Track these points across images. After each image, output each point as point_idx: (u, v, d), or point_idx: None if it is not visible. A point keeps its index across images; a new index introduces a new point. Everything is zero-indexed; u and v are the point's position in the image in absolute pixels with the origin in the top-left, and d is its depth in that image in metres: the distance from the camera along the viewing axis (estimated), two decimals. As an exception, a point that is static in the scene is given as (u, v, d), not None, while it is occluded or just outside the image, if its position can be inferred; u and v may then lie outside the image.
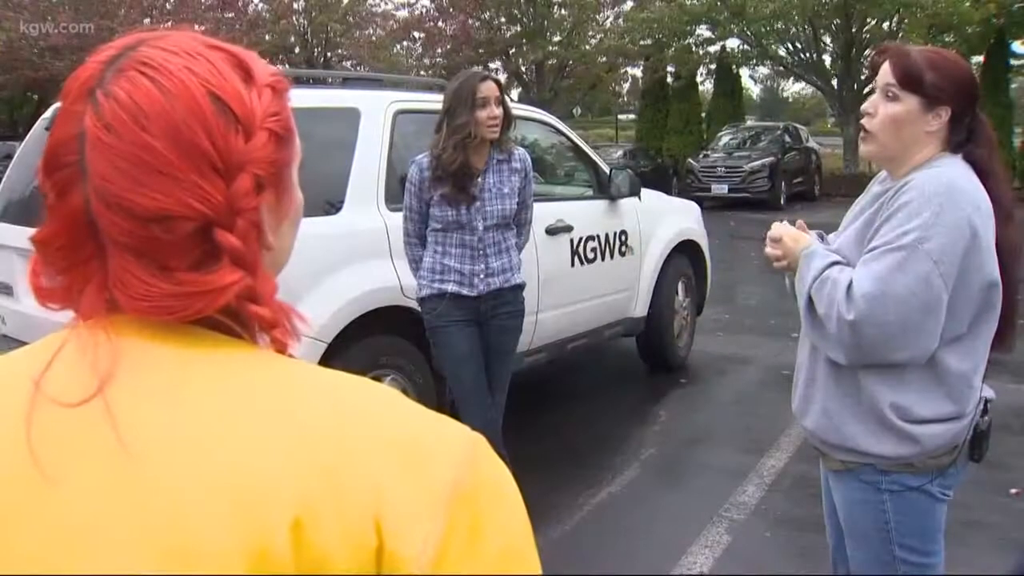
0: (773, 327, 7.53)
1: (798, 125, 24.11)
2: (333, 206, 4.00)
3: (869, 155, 2.07)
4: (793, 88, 62.23)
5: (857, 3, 20.48)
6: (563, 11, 26.34)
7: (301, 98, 4.03)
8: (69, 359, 0.70)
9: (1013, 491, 4.18)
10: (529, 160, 3.75)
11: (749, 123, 25.42)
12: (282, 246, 0.78)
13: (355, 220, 4.04)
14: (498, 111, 3.46)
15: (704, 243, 6.71)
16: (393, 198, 4.13)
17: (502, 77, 21.55)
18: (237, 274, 0.70)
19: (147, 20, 23.59)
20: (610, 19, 27.03)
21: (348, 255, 3.95)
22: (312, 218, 3.79)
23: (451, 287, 3.57)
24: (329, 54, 24.19)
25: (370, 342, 4.05)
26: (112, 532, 0.64)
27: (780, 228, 2.12)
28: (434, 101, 4.84)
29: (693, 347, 6.63)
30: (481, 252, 3.57)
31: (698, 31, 23.76)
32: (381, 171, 4.21)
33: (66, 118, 0.71)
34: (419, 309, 3.91)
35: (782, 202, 19.05)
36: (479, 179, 3.55)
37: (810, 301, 1.97)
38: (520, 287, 3.73)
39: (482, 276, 3.58)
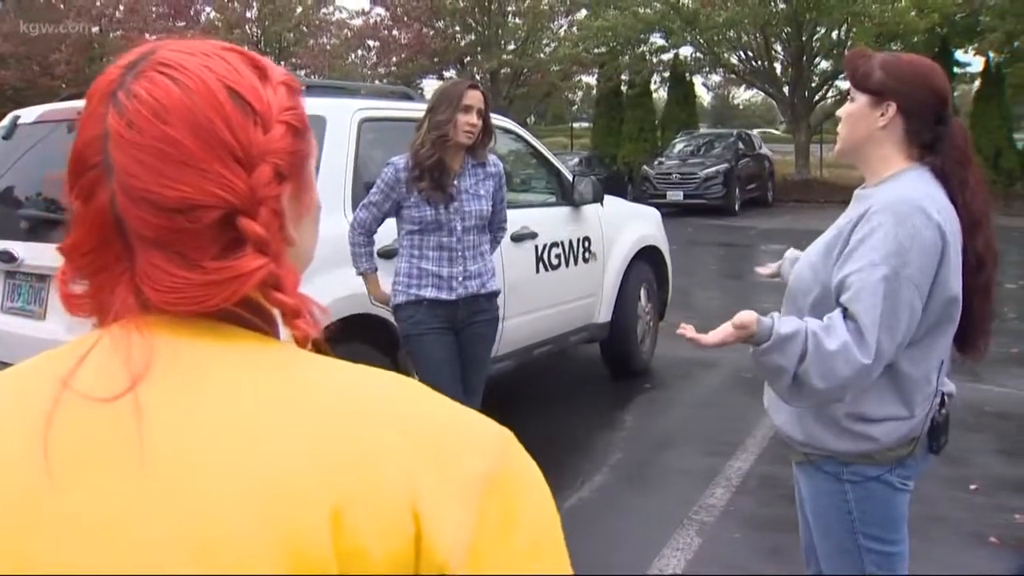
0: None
1: (751, 132, 24.42)
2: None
3: (837, 153, 2.17)
4: (744, 95, 63.03)
5: (807, 12, 20.86)
6: (517, 20, 26.47)
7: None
8: (100, 358, 0.71)
9: (972, 486, 4.27)
10: (502, 166, 3.80)
11: (703, 130, 25.71)
12: (304, 243, 0.80)
13: (321, 228, 4.00)
14: (477, 121, 3.50)
15: (665, 249, 6.77)
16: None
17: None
18: (261, 260, 0.71)
19: (95, 29, 23.29)
20: (564, 27, 27.20)
21: (315, 264, 3.90)
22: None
23: (429, 292, 3.57)
24: (283, 63, 24.04)
25: (338, 351, 4.00)
26: (140, 531, 0.64)
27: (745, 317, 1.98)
28: (399, 109, 4.86)
29: (656, 352, 6.68)
30: (459, 254, 3.58)
31: (652, 39, 24.02)
32: (347, 179, 4.20)
33: (89, 121, 0.73)
34: (387, 316, 3.91)
35: (736, 208, 19.28)
36: (455, 180, 3.57)
37: (794, 378, 1.91)
38: (495, 294, 3.75)
39: (460, 279, 3.59)
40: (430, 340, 3.58)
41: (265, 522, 0.63)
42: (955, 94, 22.08)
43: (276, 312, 0.75)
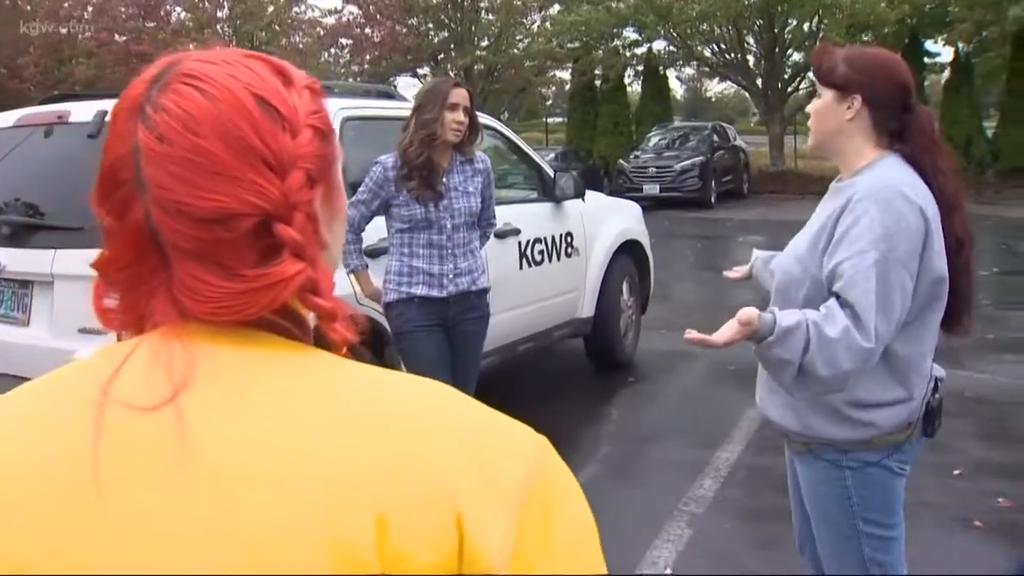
0: (715, 323, 7.62)
1: (725, 124, 24.53)
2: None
3: (811, 148, 2.23)
4: (716, 88, 63.30)
5: (779, 4, 20.99)
6: (490, 16, 26.44)
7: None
8: (139, 367, 0.71)
9: (956, 472, 4.33)
10: (489, 162, 3.81)
11: (678, 123, 25.79)
12: (335, 245, 0.80)
13: (307, 228, 4.00)
14: (464, 118, 3.52)
15: (646, 242, 6.80)
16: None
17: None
18: (300, 265, 0.71)
19: (64, 30, 23.04)
20: (537, 23, 27.19)
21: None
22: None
23: (420, 290, 3.58)
24: (256, 62, 23.87)
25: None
26: (189, 538, 0.64)
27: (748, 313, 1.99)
28: (380, 108, 4.86)
29: (639, 345, 6.72)
30: (449, 251, 3.59)
31: (625, 33, 24.07)
32: (338, 172, 4.18)
33: (117, 138, 0.73)
34: (373, 315, 3.90)
35: (713, 200, 19.37)
36: (444, 178, 3.58)
37: (799, 369, 1.93)
38: (486, 291, 3.77)
39: (451, 276, 3.60)
40: (421, 338, 3.59)
41: (313, 529, 0.64)
42: (925, 84, 22.40)
43: (310, 317, 0.76)
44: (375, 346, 4.23)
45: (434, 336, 3.61)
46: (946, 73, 22.44)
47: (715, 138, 21.11)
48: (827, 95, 2.08)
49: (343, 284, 3.99)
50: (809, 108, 2.16)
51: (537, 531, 0.67)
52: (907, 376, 2.04)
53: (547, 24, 26.25)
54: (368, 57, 25.48)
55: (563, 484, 0.71)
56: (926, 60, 22.38)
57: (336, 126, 4.29)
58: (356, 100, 4.85)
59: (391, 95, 5.26)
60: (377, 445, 0.67)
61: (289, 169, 0.71)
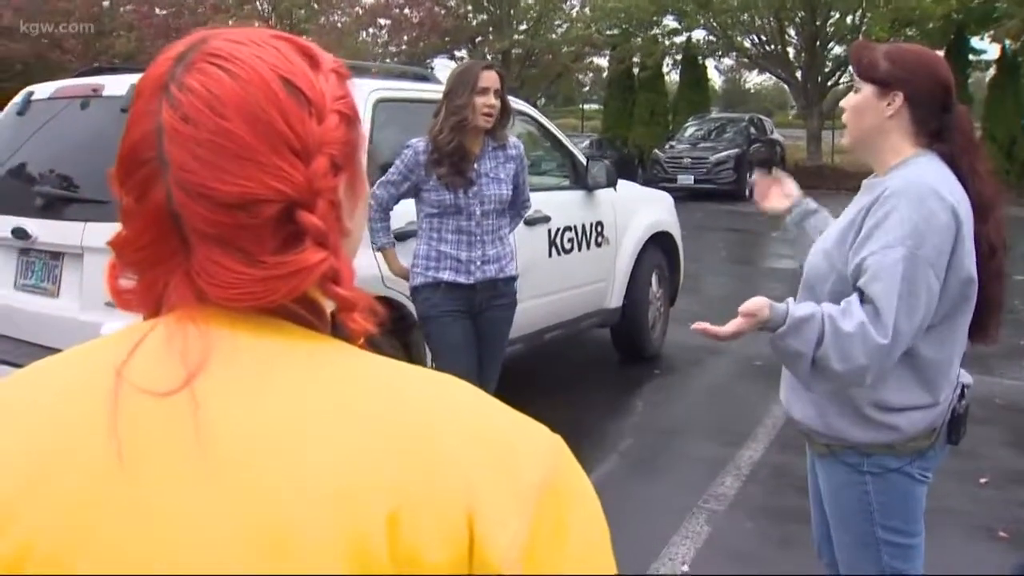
0: (743, 318, 7.60)
1: (763, 117, 24.30)
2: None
3: (847, 145, 2.17)
4: (755, 80, 62.71)
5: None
6: (530, 0, 26.30)
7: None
8: (154, 349, 0.70)
9: (983, 480, 4.26)
10: (523, 148, 3.78)
11: (715, 114, 25.59)
12: (356, 232, 0.79)
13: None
14: (495, 101, 3.48)
15: (677, 234, 6.75)
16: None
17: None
18: (322, 253, 0.70)
19: (105, 2, 23.22)
20: (576, 8, 27.04)
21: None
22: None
23: (447, 275, 3.57)
24: (294, 40, 23.94)
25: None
26: (206, 524, 0.64)
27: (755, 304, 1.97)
28: (413, 89, 4.84)
29: (666, 338, 6.67)
30: (478, 238, 3.57)
31: (665, 21, 23.87)
32: (362, 159, 4.17)
33: (141, 117, 0.71)
34: (399, 299, 3.90)
35: (747, 193, 19.15)
36: (475, 164, 3.56)
37: (812, 362, 1.91)
38: (514, 279, 3.75)
39: (478, 263, 3.58)
40: (447, 323, 3.58)
41: (330, 521, 0.63)
42: (969, 81, 22.03)
43: (327, 306, 0.75)
44: (400, 330, 4.23)
45: (460, 322, 3.60)
46: (991, 71, 22.06)
47: (752, 130, 20.92)
48: (867, 90, 2.03)
49: (370, 263, 4.00)
50: (844, 103, 2.11)
51: (550, 532, 0.66)
52: (933, 381, 2.00)
53: (586, 10, 26.11)
54: (406, 38, 25.46)
55: (577, 485, 0.71)
56: (971, 57, 21.97)
57: (368, 108, 4.28)
58: (390, 81, 4.84)
59: (427, 77, 5.24)
60: (392, 440, 0.66)
61: (314, 155, 0.70)
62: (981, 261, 1.96)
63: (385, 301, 4.13)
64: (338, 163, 0.72)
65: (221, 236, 0.69)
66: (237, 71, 0.70)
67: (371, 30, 26.22)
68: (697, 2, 21.48)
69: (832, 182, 19.98)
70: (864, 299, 1.88)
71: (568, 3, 26.79)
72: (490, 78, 3.49)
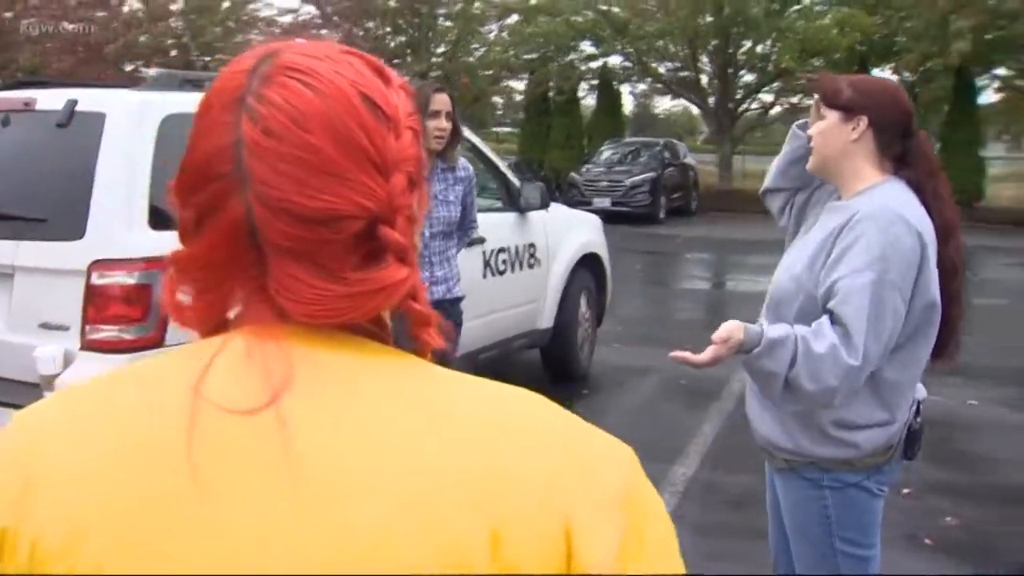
0: (666, 337, 7.69)
1: (676, 141, 24.82)
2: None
3: (812, 169, 2.23)
4: (664, 105, 63.95)
5: (735, 26, 21.34)
6: (448, 23, 26.41)
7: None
8: (230, 367, 0.68)
9: (906, 491, 4.43)
10: (472, 170, 3.81)
11: (629, 139, 26.04)
12: (419, 249, 0.79)
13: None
14: (447, 124, 3.51)
15: (605, 256, 6.87)
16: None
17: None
18: (405, 270, 0.70)
19: (9, 14, 22.49)
20: (495, 32, 27.25)
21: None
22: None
23: None
24: (210, 58, 23.57)
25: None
26: (294, 545, 0.63)
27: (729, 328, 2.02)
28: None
29: (593, 358, 6.76)
30: (426, 260, 3.59)
31: (582, 47, 24.25)
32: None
33: (212, 129, 0.70)
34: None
35: (662, 216, 19.57)
36: None
37: (785, 382, 1.98)
38: (460, 299, 3.77)
39: (427, 285, 3.58)
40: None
41: (427, 538, 0.63)
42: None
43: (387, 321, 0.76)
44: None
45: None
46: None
47: (666, 155, 21.34)
48: (832, 116, 2.12)
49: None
50: (812, 130, 2.18)
51: (635, 539, 0.67)
52: (893, 400, 2.08)
53: (504, 34, 26.34)
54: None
55: (650, 494, 0.71)
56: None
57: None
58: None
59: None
60: (486, 457, 0.66)
61: (392, 171, 0.70)
62: (943, 281, 2.05)
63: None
64: (413, 179, 0.72)
65: (301, 251, 0.68)
66: (319, 86, 0.69)
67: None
68: (614, 28, 21.91)
69: (742, 205, 20.52)
70: (834, 320, 1.95)
71: (486, 27, 26.99)
72: (441, 100, 3.53)
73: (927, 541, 3.89)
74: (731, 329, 1.98)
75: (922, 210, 2.05)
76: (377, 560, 0.62)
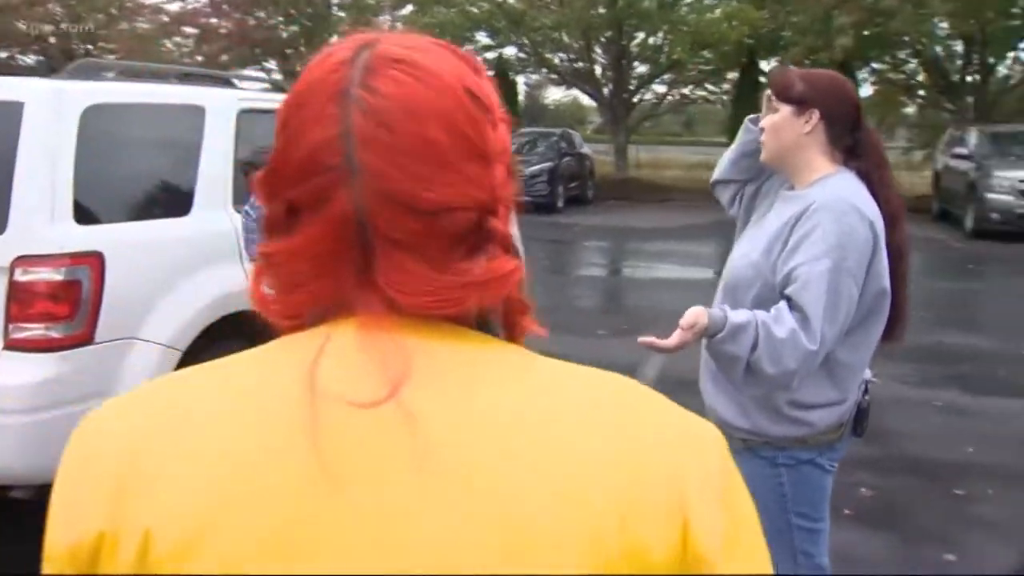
0: (567, 324, 7.77)
1: (572, 131, 25.11)
2: (182, 208, 3.84)
3: (765, 161, 2.30)
4: (554, 96, 64.51)
5: (628, 18, 21.71)
6: (341, 13, 26.06)
7: (142, 94, 3.87)
8: (343, 359, 0.67)
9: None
10: None
11: (526, 129, 26.20)
12: None
13: (205, 222, 3.90)
14: None
15: (520, 246, 6.88)
16: (241, 200, 4.03)
17: (279, 78, 21.00)
18: (515, 261, 0.70)
19: None
20: (389, 22, 26.99)
21: (200, 258, 3.82)
22: (162, 220, 3.64)
23: None
24: (92, 46, 22.63)
25: (221, 349, 3.88)
26: (430, 532, 0.63)
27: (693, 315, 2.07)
28: (277, 101, 4.76)
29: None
30: None
31: (478, 37, 24.26)
32: (228, 172, 4.08)
33: (314, 121, 0.68)
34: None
35: (560, 205, 19.77)
36: None
37: (747, 365, 2.04)
38: None
39: None
40: None
41: (565, 525, 0.63)
42: (759, 101, 23.56)
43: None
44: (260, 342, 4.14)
45: None
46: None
47: (563, 144, 21.54)
48: (785, 110, 2.19)
49: (240, 278, 3.91)
50: (764, 123, 2.26)
51: (734, 516, 0.69)
52: (845, 381, 2.18)
53: (398, 24, 26.13)
54: (213, 48, 24.58)
55: (736, 470, 0.73)
56: (762, 79, 23.54)
57: (233, 117, 4.19)
58: (252, 92, 4.75)
59: (284, 89, 5.16)
60: (610, 440, 0.67)
61: (494, 163, 0.70)
62: (891, 266, 2.15)
63: (256, 316, 4.04)
64: (510, 170, 0.72)
65: (411, 243, 0.67)
66: (427, 78, 0.68)
67: (176, 39, 25.20)
68: (510, 19, 22.00)
69: (637, 194, 20.99)
70: (792, 306, 2.04)
71: (381, 17, 26.70)
72: None
73: (847, 512, 4.07)
74: (696, 315, 2.04)
75: (872, 200, 2.14)
76: (521, 551, 0.62)
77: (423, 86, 0.68)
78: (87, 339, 3.29)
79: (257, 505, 0.63)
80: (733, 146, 2.50)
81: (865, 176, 2.19)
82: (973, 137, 16.37)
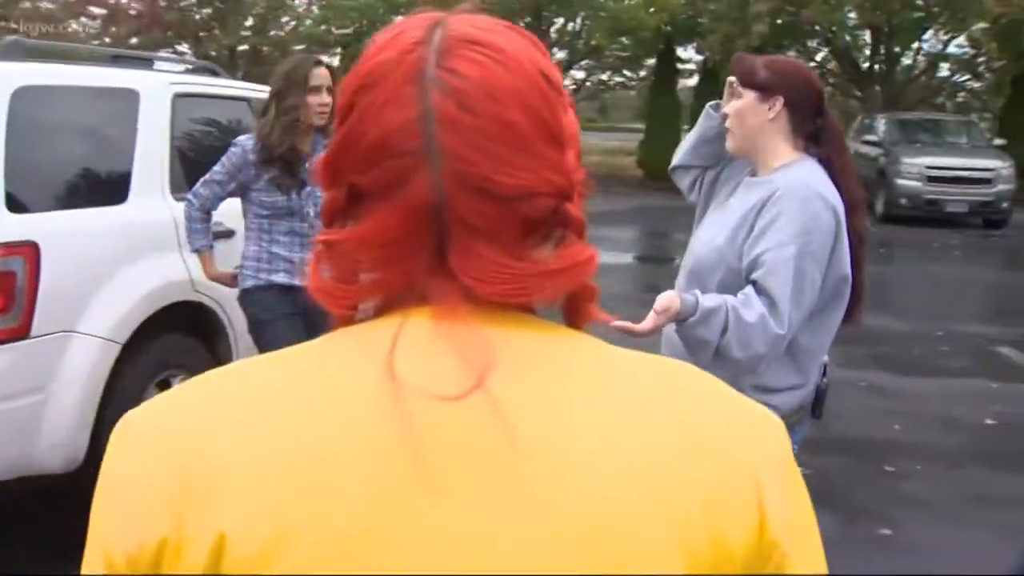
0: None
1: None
2: (118, 195, 3.70)
3: (731, 149, 2.32)
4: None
5: (549, 4, 21.77)
6: (255, -5, 25.47)
7: (74, 76, 3.71)
8: (419, 350, 0.65)
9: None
10: None
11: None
12: None
13: (142, 210, 3.77)
14: (328, 99, 3.41)
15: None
16: (178, 187, 3.91)
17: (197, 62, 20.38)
18: (591, 248, 0.69)
19: None
20: (304, 5, 26.50)
21: (137, 248, 3.68)
22: (97, 208, 3.52)
23: (280, 277, 3.48)
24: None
25: (160, 341, 3.79)
26: (531, 527, 0.61)
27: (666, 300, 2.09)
28: (210, 85, 4.63)
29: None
30: (311, 240, 3.49)
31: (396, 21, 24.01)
32: (165, 158, 3.95)
33: (392, 102, 0.65)
34: (211, 304, 3.76)
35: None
36: (306, 164, 3.47)
37: (716, 350, 2.07)
38: None
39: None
40: (281, 327, 3.48)
41: (659, 514, 0.63)
42: (678, 88, 23.94)
43: None
44: (208, 336, 4.06)
45: (293, 325, 3.51)
46: (695, 79, 24.06)
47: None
48: (749, 96, 2.22)
49: (179, 267, 3.80)
50: (728, 108, 2.28)
51: (796, 500, 0.69)
52: (806, 365, 2.23)
53: (313, 7, 25.68)
54: (122, 30, 23.75)
55: (793, 455, 0.73)
56: (679, 66, 23.84)
57: (168, 101, 4.06)
58: (186, 76, 4.61)
59: (216, 72, 5.02)
60: (691, 430, 0.66)
61: (567, 147, 0.69)
62: (852, 251, 2.20)
63: (196, 307, 3.94)
64: (580, 155, 0.71)
65: (488, 230, 0.65)
66: (505, 60, 0.66)
67: (83, 19, 24.30)
68: (428, 4, 21.77)
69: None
70: (759, 290, 2.07)
71: (295, 1, 26.21)
72: (322, 75, 3.43)
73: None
74: (670, 299, 2.06)
75: (833, 187, 2.19)
76: (620, 546, 0.62)
77: (502, 68, 0.66)
78: (23, 333, 3.16)
79: (346, 503, 0.61)
80: (693, 132, 2.52)
81: (827, 163, 2.23)
82: (881, 124, 16.86)
